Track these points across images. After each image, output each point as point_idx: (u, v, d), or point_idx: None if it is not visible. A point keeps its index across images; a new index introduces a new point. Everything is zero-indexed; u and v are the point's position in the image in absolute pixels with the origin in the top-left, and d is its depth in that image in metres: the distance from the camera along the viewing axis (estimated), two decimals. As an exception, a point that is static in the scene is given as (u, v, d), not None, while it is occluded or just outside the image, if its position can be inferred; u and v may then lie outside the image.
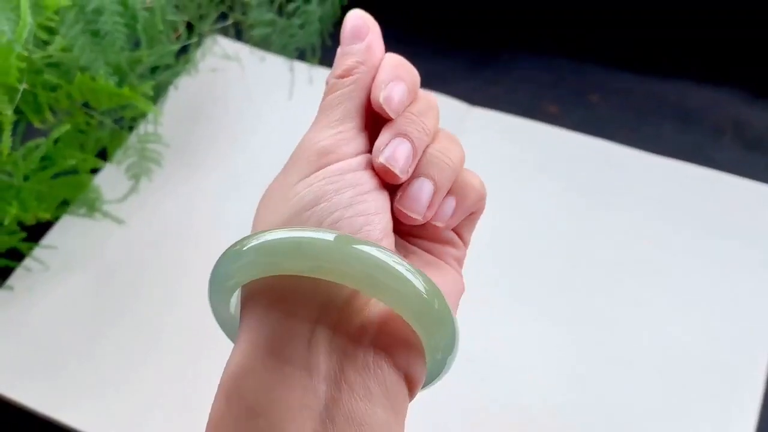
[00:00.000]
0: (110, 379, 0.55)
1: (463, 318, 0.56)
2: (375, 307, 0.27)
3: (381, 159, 0.28)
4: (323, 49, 0.66)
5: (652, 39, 0.73)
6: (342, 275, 0.25)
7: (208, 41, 0.67)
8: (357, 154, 0.29)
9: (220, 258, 0.28)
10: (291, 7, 0.65)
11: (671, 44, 0.73)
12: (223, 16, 0.65)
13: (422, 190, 0.29)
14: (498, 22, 0.76)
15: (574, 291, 0.58)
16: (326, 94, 0.30)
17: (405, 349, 0.27)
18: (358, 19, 0.31)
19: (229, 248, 0.28)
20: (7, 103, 0.51)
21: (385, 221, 0.28)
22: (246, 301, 0.27)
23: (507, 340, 0.56)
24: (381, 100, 0.29)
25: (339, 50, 0.31)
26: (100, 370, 0.56)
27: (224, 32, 0.68)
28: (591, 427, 0.52)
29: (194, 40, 0.64)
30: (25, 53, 0.51)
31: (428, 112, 0.30)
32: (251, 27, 0.66)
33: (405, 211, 0.28)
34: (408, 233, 0.31)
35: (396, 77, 0.29)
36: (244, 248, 0.27)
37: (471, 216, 0.31)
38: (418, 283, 0.25)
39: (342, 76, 0.30)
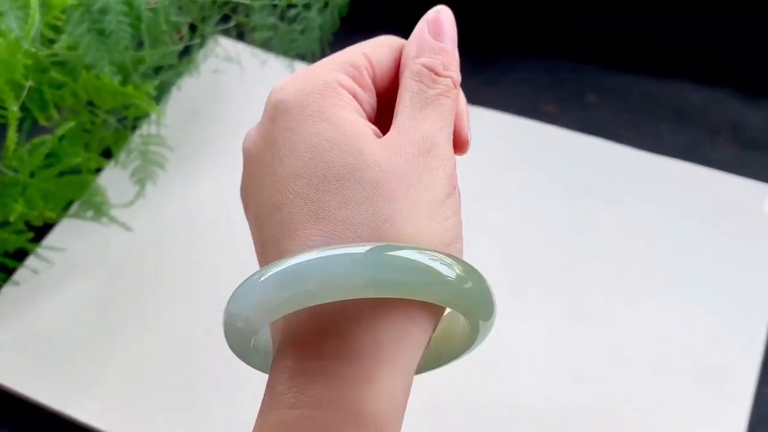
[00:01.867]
0: (117, 375, 0.56)
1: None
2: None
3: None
4: (323, 56, 0.67)
5: (649, 39, 0.74)
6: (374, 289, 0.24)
7: (210, 42, 0.68)
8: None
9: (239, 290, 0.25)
10: (292, 12, 0.66)
11: (668, 45, 0.74)
12: (226, 19, 0.67)
13: None
14: (497, 24, 0.77)
15: (572, 289, 0.59)
16: (441, 92, 0.28)
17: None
18: (449, 15, 0.30)
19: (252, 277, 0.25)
20: (13, 99, 0.52)
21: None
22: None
23: (504, 338, 0.57)
24: (469, 138, 0.29)
25: (432, 35, 0.29)
26: (107, 366, 0.56)
27: (226, 34, 0.69)
28: (589, 423, 0.53)
29: (197, 41, 0.65)
30: (32, 50, 0.52)
31: None
32: (253, 30, 0.67)
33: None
34: None
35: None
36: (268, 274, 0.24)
37: None
38: (450, 271, 0.25)
39: (454, 86, 0.29)
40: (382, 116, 0.29)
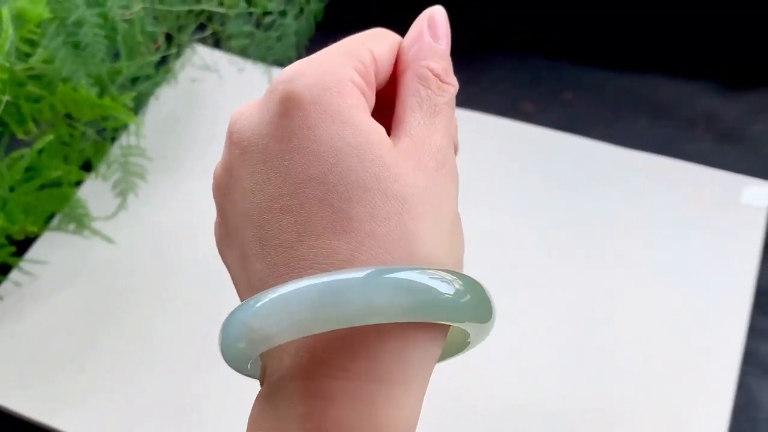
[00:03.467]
0: (103, 386, 0.56)
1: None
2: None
3: None
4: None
5: (624, 35, 0.75)
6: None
7: (187, 51, 0.68)
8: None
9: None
10: (268, 19, 0.66)
11: (642, 40, 0.74)
12: (202, 27, 0.67)
13: None
14: (473, 23, 0.77)
15: (553, 285, 0.59)
16: (449, 99, 0.28)
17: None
18: (445, 17, 0.29)
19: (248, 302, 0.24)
20: (-10, 114, 0.52)
21: None
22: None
23: (490, 336, 0.57)
24: (458, 147, 0.29)
25: (433, 39, 0.28)
26: (93, 378, 0.56)
27: (203, 43, 0.69)
28: (575, 418, 0.53)
29: (174, 50, 0.65)
30: (8, 65, 0.52)
31: None
32: (229, 38, 0.67)
33: None
34: None
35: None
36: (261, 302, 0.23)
37: None
38: (449, 288, 0.24)
39: (455, 92, 0.28)
40: (375, 114, 0.28)
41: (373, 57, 0.27)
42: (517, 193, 0.65)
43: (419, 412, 0.25)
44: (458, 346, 0.29)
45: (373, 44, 0.28)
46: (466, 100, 0.70)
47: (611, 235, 0.62)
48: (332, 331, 0.23)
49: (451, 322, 0.24)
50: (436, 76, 0.27)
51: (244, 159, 0.26)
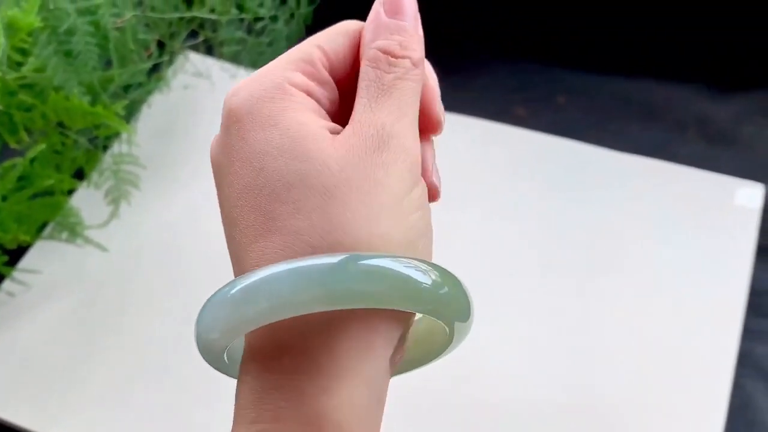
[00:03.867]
0: (97, 396, 0.56)
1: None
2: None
3: (436, 182, 0.28)
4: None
5: (615, 39, 0.75)
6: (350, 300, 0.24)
7: (179, 59, 0.68)
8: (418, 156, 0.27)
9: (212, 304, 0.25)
10: (259, 25, 0.66)
11: (633, 44, 0.75)
12: (194, 34, 0.67)
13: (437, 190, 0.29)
14: (465, 28, 0.77)
15: (547, 289, 0.59)
16: (399, 75, 0.27)
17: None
18: None
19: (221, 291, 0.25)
20: (-18, 124, 0.52)
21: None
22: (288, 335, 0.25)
23: (481, 340, 0.57)
24: (441, 115, 0.28)
25: (387, 14, 0.28)
26: (87, 387, 0.56)
27: (195, 50, 0.69)
28: (570, 422, 0.53)
29: (166, 58, 0.65)
30: (0, 74, 0.52)
31: None
32: (221, 45, 0.67)
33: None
34: None
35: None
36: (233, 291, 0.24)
37: None
38: (426, 278, 0.24)
39: (415, 65, 0.27)
40: (348, 109, 0.28)
41: (323, 53, 0.27)
42: (510, 197, 0.65)
43: (368, 404, 0.25)
44: (430, 349, 0.29)
45: (325, 40, 0.28)
46: (458, 105, 0.71)
47: (605, 239, 0.62)
48: (270, 328, 0.24)
49: (372, 305, 0.24)
50: (387, 53, 0.27)
51: (215, 177, 0.27)
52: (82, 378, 0.57)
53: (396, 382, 0.29)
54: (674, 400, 0.54)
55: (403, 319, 0.26)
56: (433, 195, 0.28)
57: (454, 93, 0.74)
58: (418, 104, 0.27)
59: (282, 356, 0.24)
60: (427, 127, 0.28)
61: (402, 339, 0.26)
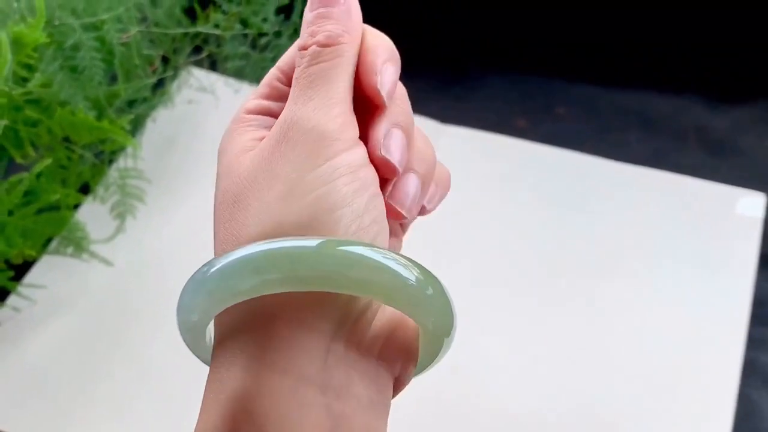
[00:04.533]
0: (102, 410, 0.56)
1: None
2: (384, 315, 0.26)
3: (385, 153, 0.26)
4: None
5: (614, 50, 0.76)
6: (327, 283, 0.24)
7: (183, 74, 0.69)
8: (356, 143, 0.26)
9: (190, 283, 0.27)
10: (263, 41, 0.67)
11: (632, 55, 0.75)
12: (198, 49, 0.67)
13: (410, 185, 0.27)
14: (465, 41, 0.78)
15: (549, 300, 0.60)
16: (307, 64, 0.27)
17: (404, 357, 0.26)
18: None
19: (200, 270, 0.26)
20: (-11, 139, 0.52)
21: (388, 226, 0.27)
22: (242, 318, 0.25)
23: (485, 350, 0.57)
24: (378, 85, 0.26)
25: (309, 10, 0.28)
26: (92, 402, 0.56)
27: (199, 65, 0.70)
28: (573, 430, 0.54)
29: (170, 73, 0.66)
30: (6, 90, 0.52)
31: (406, 98, 0.28)
32: (225, 60, 0.68)
33: (396, 206, 0.27)
34: None
35: (388, 59, 0.27)
36: (211, 270, 0.25)
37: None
38: (409, 274, 0.24)
39: (325, 45, 0.27)
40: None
41: (279, 70, 0.29)
42: (511, 207, 0.65)
43: (288, 400, 0.24)
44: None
45: (283, 58, 0.29)
46: (459, 116, 0.71)
47: (606, 249, 0.62)
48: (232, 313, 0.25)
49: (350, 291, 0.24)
50: (301, 48, 0.27)
51: None
52: (87, 392, 0.57)
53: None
54: (680, 409, 0.54)
55: (334, 317, 0.25)
56: (386, 171, 0.27)
57: (456, 105, 0.75)
58: (336, 82, 0.26)
59: (225, 340, 0.26)
60: (369, 98, 0.27)
61: (354, 328, 0.26)
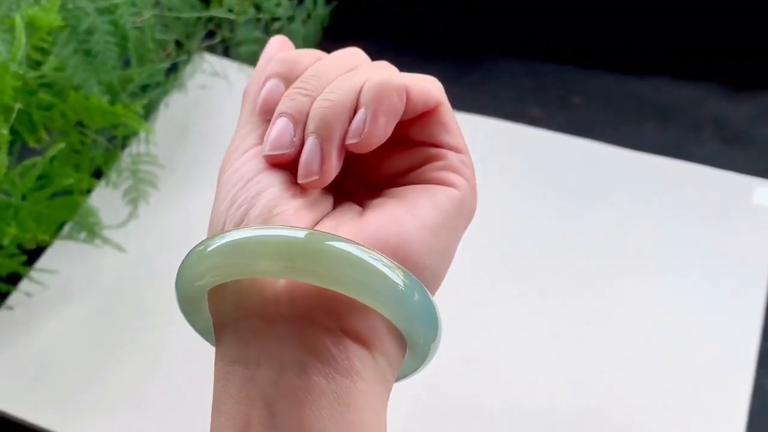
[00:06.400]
0: (114, 396, 0.56)
1: (458, 320, 0.57)
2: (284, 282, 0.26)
3: (264, 149, 0.28)
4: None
5: (630, 39, 0.75)
6: (315, 276, 0.24)
7: (196, 59, 0.68)
8: (244, 152, 0.29)
9: (184, 260, 0.28)
10: (276, 25, 0.66)
11: (648, 44, 0.75)
12: (211, 34, 0.67)
13: (308, 152, 0.27)
14: (479, 29, 0.77)
15: (564, 290, 0.59)
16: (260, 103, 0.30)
17: (325, 311, 0.25)
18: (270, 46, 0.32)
19: (193, 249, 0.27)
20: (2, 122, 0.52)
21: (274, 192, 0.27)
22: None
23: (501, 341, 0.57)
24: (258, 109, 0.29)
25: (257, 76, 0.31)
26: (104, 387, 0.56)
27: (212, 50, 0.69)
28: (589, 423, 0.53)
29: (183, 58, 0.65)
30: (20, 73, 0.52)
31: (327, 66, 0.29)
32: (238, 45, 0.67)
33: (305, 181, 0.27)
34: (376, 176, 0.30)
35: (263, 77, 0.30)
36: (209, 249, 0.26)
37: (428, 117, 0.29)
38: (396, 277, 0.25)
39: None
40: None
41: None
42: (526, 196, 0.65)
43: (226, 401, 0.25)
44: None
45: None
46: (473, 105, 0.71)
47: (621, 238, 0.62)
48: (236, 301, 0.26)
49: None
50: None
51: None
52: (99, 377, 0.57)
53: (404, 381, 0.29)
54: (695, 401, 0.54)
55: (269, 320, 0.26)
56: (272, 161, 0.28)
57: (469, 93, 0.74)
58: (244, 110, 0.30)
59: (224, 327, 0.27)
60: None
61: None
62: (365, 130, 0.27)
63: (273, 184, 0.27)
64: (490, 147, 0.68)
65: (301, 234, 0.24)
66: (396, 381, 0.28)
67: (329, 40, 0.70)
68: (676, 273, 0.60)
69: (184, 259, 0.27)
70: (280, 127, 0.28)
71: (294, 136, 0.28)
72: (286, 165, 0.28)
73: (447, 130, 0.29)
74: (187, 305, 0.29)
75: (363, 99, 0.27)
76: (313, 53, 0.30)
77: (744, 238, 0.61)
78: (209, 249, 0.26)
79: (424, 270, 0.26)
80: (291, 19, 0.66)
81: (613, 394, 0.54)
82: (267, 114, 0.29)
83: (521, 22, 0.77)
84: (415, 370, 0.28)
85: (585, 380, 0.55)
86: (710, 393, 0.54)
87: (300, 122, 0.28)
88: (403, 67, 0.30)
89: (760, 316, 0.57)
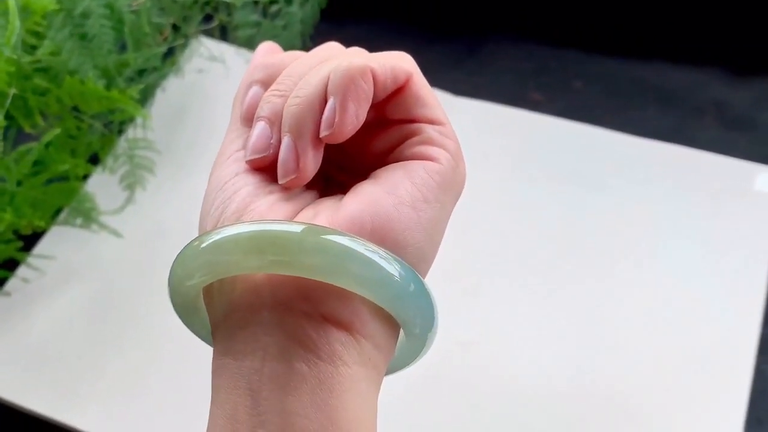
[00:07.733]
0: (111, 382, 0.56)
1: (456, 304, 0.57)
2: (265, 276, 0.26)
3: (246, 155, 0.28)
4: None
5: (631, 23, 0.74)
6: (308, 269, 0.24)
7: (193, 43, 0.68)
8: (229, 156, 0.29)
9: (178, 257, 0.28)
10: (274, 9, 0.66)
11: (650, 28, 0.74)
12: (208, 18, 0.66)
13: (283, 151, 0.27)
14: (479, 12, 0.77)
15: (565, 276, 0.59)
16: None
17: (304, 297, 0.25)
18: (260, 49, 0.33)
19: (187, 246, 0.28)
20: (-3, 107, 0.51)
21: (249, 190, 0.27)
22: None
23: (499, 326, 0.57)
24: (241, 116, 0.30)
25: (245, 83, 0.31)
26: (101, 373, 0.56)
27: (209, 33, 0.69)
28: (591, 410, 0.53)
29: (180, 41, 0.65)
30: (14, 58, 0.52)
31: (301, 65, 0.29)
32: (236, 28, 0.67)
33: (284, 180, 0.27)
34: (364, 163, 0.29)
35: (245, 86, 0.30)
36: (203, 245, 0.26)
37: (401, 93, 0.28)
38: (392, 269, 0.25)
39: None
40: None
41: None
42: (525, 182, 0.64)
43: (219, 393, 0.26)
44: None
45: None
46: (472, 90, 0.70)
47: (622, 224, 0.61)
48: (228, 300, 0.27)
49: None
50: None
51: None
52: (96, 363, 0.56)
53: (404, 371, 0.29)
54: (696, 386, 0.53)
55: (257, 310, 0.26)
56: (253, 165, 0.29)
57: (470, 78, 0.74)
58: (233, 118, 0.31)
59: (217, 326, 0.28)
60: None
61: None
62: (336, 120, 0.27)
63: (248, 183, 0.28)
64: (491, 131, 0.67)
65: (268, 227, 0.25)
66: (395, 371, 0.29)
67: (327, 22, 0.69)
68: (676, 259, 0.59)
69: (171, 267, 0.29)
70: (257, 131, 0.28)
71: (271, 138, 0.28)
72: (269, 167, 0.28)
73: (422, 103, 0.28)
74: (183, 311, 0.30)
75: (330, 89, 0.27)
76: (293, 55, 0.31)
77: (745, 224, 0.61)
78: (188, 252, 0.27)
79: (407, 248, 0.26)
80: (288, 1, 0.65)
81: (613, 379, 0.54)
82: (250, 121, 0.30)
83: (522, 5, 0.76)
84: (413, 359, 0.28)
85: (584, 366, 0.55)
86: (711, 378, 0.54)
87: (276, 124, 0.28)
88: (402, 51, 0.30)
89: (761, 302, 0.56)
